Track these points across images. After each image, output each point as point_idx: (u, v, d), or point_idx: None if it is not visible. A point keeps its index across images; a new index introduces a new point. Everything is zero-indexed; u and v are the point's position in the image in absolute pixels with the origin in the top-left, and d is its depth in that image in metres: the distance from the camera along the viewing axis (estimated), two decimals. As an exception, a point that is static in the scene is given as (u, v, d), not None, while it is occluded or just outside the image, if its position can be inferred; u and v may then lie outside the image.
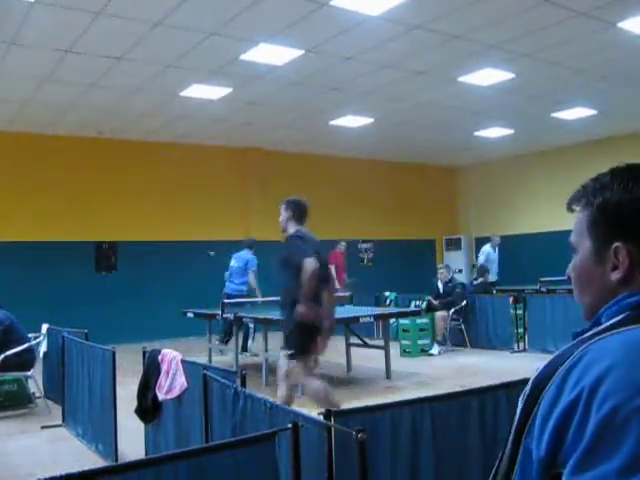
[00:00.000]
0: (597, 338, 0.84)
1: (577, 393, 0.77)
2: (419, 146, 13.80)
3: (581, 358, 0.82)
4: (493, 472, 0.92)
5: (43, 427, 5.49)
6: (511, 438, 0.88)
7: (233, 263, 9.41)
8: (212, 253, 11.30)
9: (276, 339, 6.78)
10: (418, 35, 7.12)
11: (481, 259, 12.05)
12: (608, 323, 0.87)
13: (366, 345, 7.84)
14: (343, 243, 12.32)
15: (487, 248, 12.15)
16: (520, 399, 0.89)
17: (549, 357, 0.89)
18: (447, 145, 13.72)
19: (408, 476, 2.62)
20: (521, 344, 9.10)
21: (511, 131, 12.43)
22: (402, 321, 9.06)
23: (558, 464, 0.77)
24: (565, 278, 1.03)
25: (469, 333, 9.59)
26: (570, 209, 1.00)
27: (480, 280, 10.78)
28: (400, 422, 2.61)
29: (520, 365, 7.61)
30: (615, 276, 0.90)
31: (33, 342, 6.32)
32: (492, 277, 11.64)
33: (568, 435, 0.76)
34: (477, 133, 12.50)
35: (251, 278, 9.24)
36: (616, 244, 0.90)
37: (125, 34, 6.79)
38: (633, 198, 0.89)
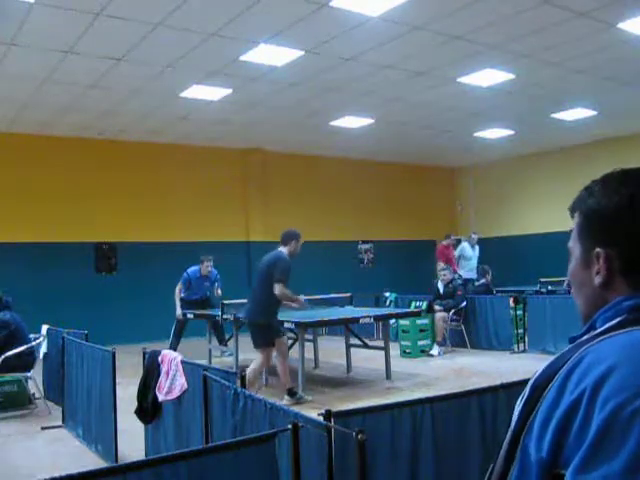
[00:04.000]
0: (596, 340, 0.84)
1: (579, 394, 0.77)
2: (419, 147, 13.80)
3: (581, 360, 0.82)
4: (487, 475, 0.92)
5: (43, 428, 5.49)
6: (508, 440, 0.88)
7: None
8: None
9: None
10: (418, 36, 7.12)
11: (455, 254, 12.32)
12: (606, 326, 0.87)
13: (366, 346, 7.84)
14: (452, 237, 11.95)
15: (463, 244, 12.45)
16: (518, 401, 0.89)
17: (549, 358, 0.89)
18: (447, 146, 13.72)
19: (408, 476, 2.62)
20: (521, 345, 9.09)
21: (511, 132, 12.43)
22: (402, 322, 9.05)
23: (560, 465, 0.77)
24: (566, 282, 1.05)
25: (469, 334, 9.59)
26: (572, 216, 1.03)
27: (482, 281, 10.76)
28: (400, 422, 2.61)
29: (520, 366, 7.60)
30: (597, 280, 0.93)
31: (33, 343, 6.32)
32: (466, 273, 11.78)
33: (570, 436, 0.77)
34: (477, 134, 12.50)
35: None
36: (597, 249, 0.93)
37: (125, 35, 6.79)
38: (609, 204, 0.92)
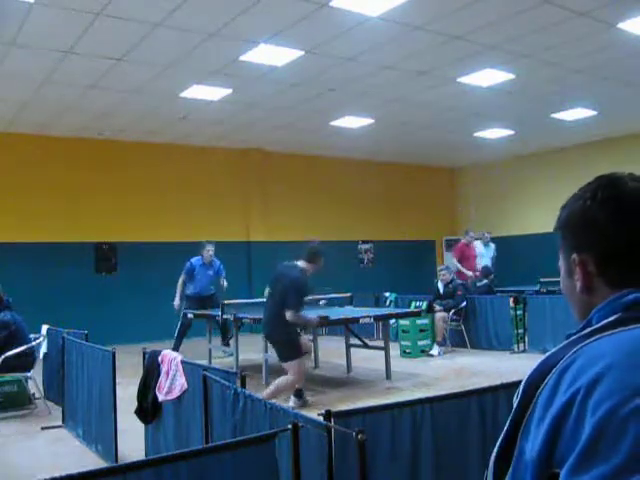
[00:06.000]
0: (592, 339, 0.84)
1: (572, 393, 0.77)
2: (419, 147, 13.80)
3: (576, 359, 0.81)
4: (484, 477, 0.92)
5: (43, 428, 5.49)
6: (502, 439, 0.88)
7: None
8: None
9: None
10: (418, 36, 7.12)
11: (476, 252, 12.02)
12: (601, 323, 0.87)
13: (366, 346, 7.84)
14: (471, 234, 11.49)
15: (476, 242, 12.12)
16: (514, 400, 0.89)
17: None
18: (447, 146, 13.72)
19: (408, 476, 2.62)
20: (521, 345, 9.09)
21: (511, 132, 12.43)
22: (402, 322, 9.05)
23: (554, 464, 0.77)
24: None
25: (469, 334, 9.59)
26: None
27: (484, 282, 10.74)
28: (400, 423, 2.61)
29: (520, 366, 7.60)
30: (578, 286, 0.95)
31: (33, 343, 6.32)
32: (471, 272, 11.45)
33: (563, 435, 0.76)
34: (477, 134, 12.50)
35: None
36: (573, 256, 0.95)
37: (125, 35, 6.79)
38: (576, 211, 0.96)
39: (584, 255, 0.93)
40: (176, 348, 8.87)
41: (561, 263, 1.02)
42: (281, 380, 5.72)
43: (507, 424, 0.87)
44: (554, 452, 0.77)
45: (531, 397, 0.84)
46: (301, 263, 5.83)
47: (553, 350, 0.88)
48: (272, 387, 5.71)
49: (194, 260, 9.32)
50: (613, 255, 0.91)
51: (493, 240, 12.49)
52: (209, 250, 9.29)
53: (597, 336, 0.84)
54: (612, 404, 0.72)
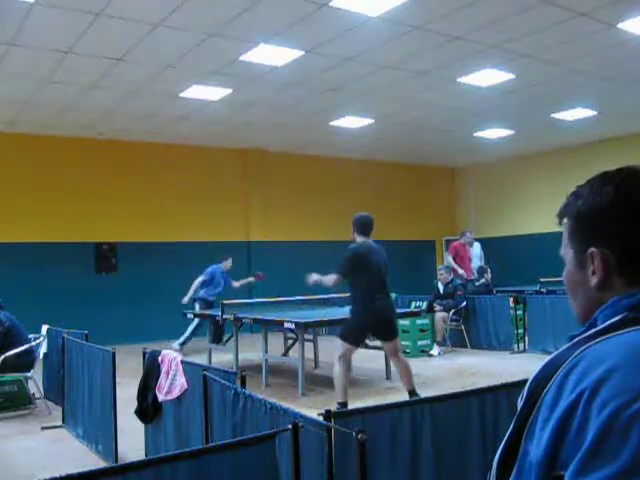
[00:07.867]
0: (596, 340, 0.83)
1: (577, 395, 0.77)
2: (419, 147, 13.81)
3: (580, 360, 0.81)
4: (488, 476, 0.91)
5: (43, 428, 5.49)
6: (505, 442, 0.87)
7: None
8: None
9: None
10: (418, 36, 7.12)
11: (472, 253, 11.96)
12: (605, 324, 0.86)
13: (366, 346, 7.82)
14: (468, 234, 11.50)
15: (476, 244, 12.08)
16: (519, 401, 0.88)
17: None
18: (447, 146, 13.72)
19: (408, 476, 2.62)
20: (521, 345, 9.09)
21: (511, 132, 12.43)
22: (402, 322, 9.03)
23: (558, 466, 0.77)
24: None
25: (469, 334, 9.59)
26: (560, 223, 1.03)
27: (482, 281, 10.76)
28: (400, 423, 2.61)
29: (520, 366, 7.61)
30: (593, 281, 0.93)
31: (33, 343, 6.32)
32: (465, 273, 11.27)
33: (568, 437, 0.76)
34: (477, 134, 12.50)
35: None
36: (591, 250, 0.92)
37: (125, 35, 6.79)
38: (597, 204, 0.93)
39: (604, 249, 0.91)
40: (184, 343, 9.01)
41: (565, 253, 1.00)
42: (404, 362, 5.81)
43: (511, 425, 0.87)
44: (559, 454, 0.77)
45: (536, 398, 0.83)
46: (370, 240, 5.85)
47: (558, 351, 0.87)
48: (404, 373, 5.75)
49: (216, 267, 9.85)
50: (633, 253, 0.90)
51: (488, 240, 12.43)
52: (230, 263, 10.03)
53: (602, 337, 0.83)
54: (616, 405, 0.72)
